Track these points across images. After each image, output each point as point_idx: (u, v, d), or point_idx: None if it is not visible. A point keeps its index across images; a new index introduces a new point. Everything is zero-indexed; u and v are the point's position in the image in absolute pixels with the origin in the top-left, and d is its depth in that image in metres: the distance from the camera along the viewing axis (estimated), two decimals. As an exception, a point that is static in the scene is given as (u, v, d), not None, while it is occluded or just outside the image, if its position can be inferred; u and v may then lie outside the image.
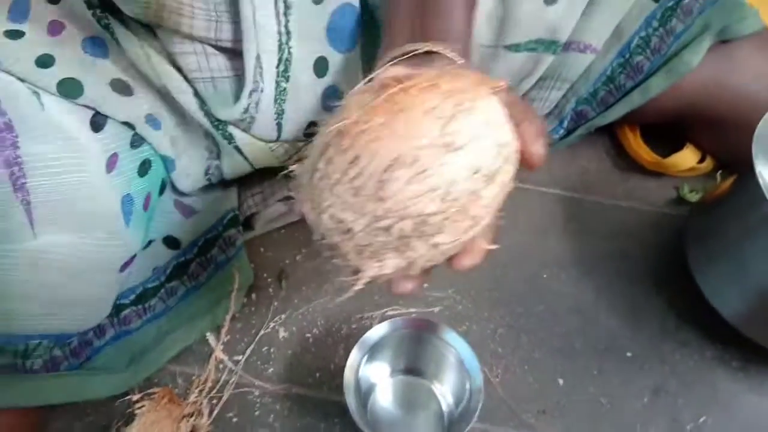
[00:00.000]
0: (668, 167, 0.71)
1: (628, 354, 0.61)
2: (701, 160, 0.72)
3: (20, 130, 0.46)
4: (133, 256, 0.55)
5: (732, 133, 0.65)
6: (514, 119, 0.35)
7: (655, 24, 0.64)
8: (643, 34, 0.64)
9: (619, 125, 0.74)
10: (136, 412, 0.53)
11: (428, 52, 0.39)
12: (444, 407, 0.56)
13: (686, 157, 0.71)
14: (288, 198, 0.65)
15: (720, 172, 0.71)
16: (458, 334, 0.53)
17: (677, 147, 0.72)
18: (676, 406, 0.58)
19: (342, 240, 0.33)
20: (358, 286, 0.34)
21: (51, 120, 0.48)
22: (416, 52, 0.39)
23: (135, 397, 0.54)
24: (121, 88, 0.52)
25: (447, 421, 0.55)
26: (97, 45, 0.52)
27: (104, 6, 0.52)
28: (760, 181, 0.52)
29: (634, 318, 0.63)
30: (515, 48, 0.63)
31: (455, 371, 0.53)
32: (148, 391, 0.55)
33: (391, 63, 0.39)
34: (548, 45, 0.63)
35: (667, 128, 0.72)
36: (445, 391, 0.56)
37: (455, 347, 0.52)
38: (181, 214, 0.62)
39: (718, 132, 0.68)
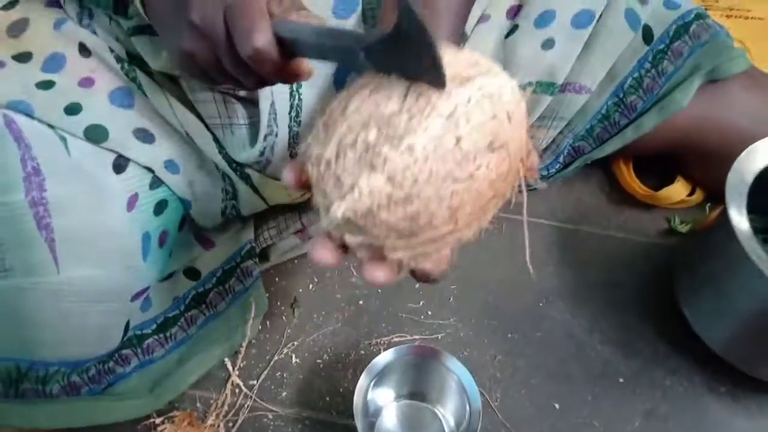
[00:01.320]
0: (660, 200, 0.75)
1: (621, 380, 0.64)
2: (691, 193, 0.75)
3: (47, 173, 0.50)
4: (146, 288, 0.59)
5: (721, 166, 0.68)
6: None
7: (648, 66, 0.68)
8: (636, 75, 0.68)
9: (613, 159, 0.78)
10: (159, 434, 0.57)
11: None
12: (446, 429, 0.59)
13: (677, 190, 0.75)
14: (301, 231, 0.69)
15: (709, 204, 0.75)
16: (459, 360, 0.57)
17: (668, 179, 0.75)
18: (666, 430, 0.61)
19: (319, 173, 0.35)
20: (339, 213, 0.33)
21: (76, 165, 0.52)
22: None
23: (157, 420, 0.58)
24: (143, 136, 0.56)
25: (449, 443, 0.58)
26: (124, 96, 0.56)
27: (132, 60, 0.56)
28: (732, 222, 0.55)
29: (626, 345, 0.66)
30: None
31: (456, 395, 0.57)
32: (170, 414, 0.59)
33: None
34: (546, 86, 0.67)
35: (659, 161, 0.76)
36: (446, 414, 0.59)
37: (456, 373, 0.56)
38: (202, 247, 0.67)
39: (707, 165, 0.71)
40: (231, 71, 0.41)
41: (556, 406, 0.63)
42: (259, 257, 0.69)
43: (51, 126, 0.53)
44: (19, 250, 0.49)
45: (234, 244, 0.67)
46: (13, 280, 0.49)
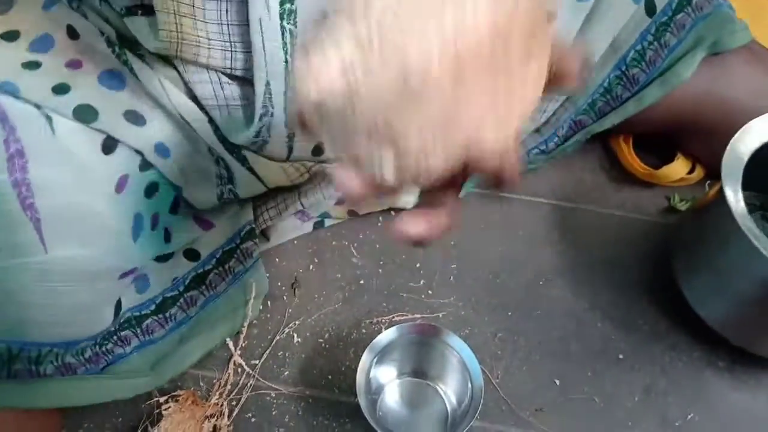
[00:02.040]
0: (660, 178, 0.75)
1: (621, 356, 0.65)
2: (691, 171, 0.75)
3: (30, 155, 0.49)
4: (135, 267, 0.58)
5: (721, 141, 0.68)
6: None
7: (650, 38, 0.67)
8: (638, 47, 0.68)
9: (612, 137, 0.78)
10: (163, 413, 0.57)
11: None
12: (448, 406, 0.60)
13: (677, 168, 0.75)
14: (300, 212, 0.69)
15: (708, 182, 0.75)
16: (460, 338, 0.57)
17: (668, 157, 0.75)
18: (665, 405, 0.62)
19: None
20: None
21: (61, 145, 0.51)
22: None
23: (161, 399, 0.58)
24: (134, 118, 0.55)
25: (450, 419, 0.59)
26: (114, 78, 0.55)
27: (123, 42, 0.55)
28: (728, 201, 0.55)
29: (626, 322, 0.67)
30: None
31: (458, 372, 0.57)
32: (174, 393, 0.59)
33: None
34: None
35: (659, 139, 0.76)
36: (448, 392, 0.60)
37: (458, 350, 0.56)
38: (201, 228, 0.66)
39: (708, 141, 0.71)
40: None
41: (557, 382, 0.63)
42: (258, 238, 0.69)
43: (37, 106, 0.51)
44: (5, 231, 0.49)
45: (233, 225, 0.67)
46: (0, 261, 0.49)
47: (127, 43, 0.55)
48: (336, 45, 0.27)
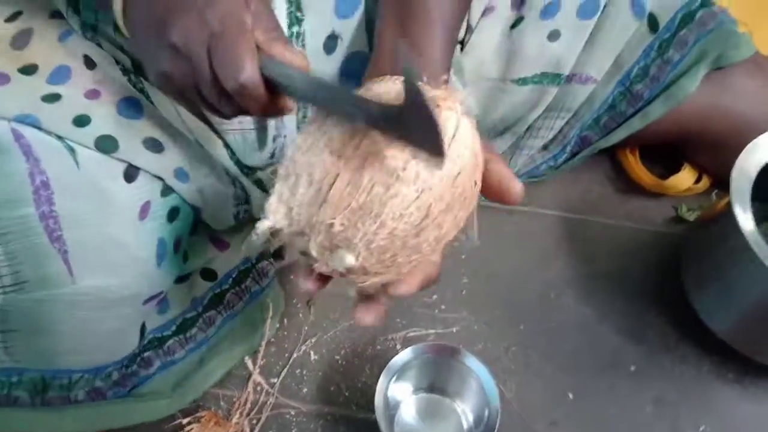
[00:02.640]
0: (667, 188, 0.76)
1: (632, 368, 0.66)
2: (698, 180, 0.76)
3: (56, 187, 0.50)
4: (159, 292, 0.59)
5: (728, 152, 0.69)
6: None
7: (653, 54, 0.68)
8: (642, 64, 0.69)
9: (619, 148, 0.79)
10: (187, 434, 0.59)
11: None
12: (464, 423, 0.61)
13: (684, 178, 0.76)
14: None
15: (715, 191, 0.76)
16: (474, 354, 0.58)
17: (675, 167, 0.76)
18: (676, 416, 0.63)
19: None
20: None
21: (85, 177, 0.52)
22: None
23: (184, 421, 0.60)
24: (153, 145, 0.56)
25: (467, 435, 0.60)
26: (131, 106, 0.56)
27: (138, 70, 0.56)
28: (737, 219, 0.57)
29: (636, 334, 0.68)
30: (522, 82, 0.68)
31: (475, 392, 0.59)
32: (197, 414, 0.60)
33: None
34: (552, 78, 0.67)
35: (665, 149, 0.77)
36: (465, 409, 0.61)
37: (474, 370, 0.57)
38: (216, 249, 0.67)
39: (714, 152, 0.72)
40: (210, 99, 0.41)
41: (570, 395, 0.64)
42: (273, 256, 0.70)
43: (60, 137, 0.53)
44: (34, 263, 0.50)
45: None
46: (30, 293, 0.50)
47: (141, 71, 0.55)
48: (278, 194, 0.38)
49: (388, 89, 0.38)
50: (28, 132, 0.51)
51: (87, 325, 0.52)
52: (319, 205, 0.36)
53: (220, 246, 0.68)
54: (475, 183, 0.38)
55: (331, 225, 0.36)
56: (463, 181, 0.37)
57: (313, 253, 0.37)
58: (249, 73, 0.38)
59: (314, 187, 0.36)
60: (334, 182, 0.36)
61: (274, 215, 0.38)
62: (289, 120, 0.58)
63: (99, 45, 0.57)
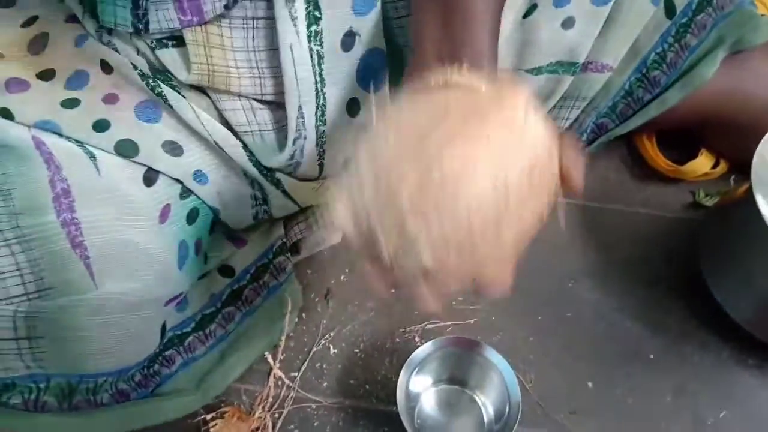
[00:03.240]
0: (685, 174, 0.75)
1: (651, 356, 0.66)
2: (715, 165, 0.75)
3: (76, 194, 0.50)
4: (180, 293, 0.60)
5: (746, 137, 0.68)
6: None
7: (671, 40, 0.67)
8: (659, 50, 0.67)
9: (636, 134, 0.78)
10: (211, 429, 0.60)
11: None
12: (484, 415, 0.61)
13: (702, 164, 0.75)
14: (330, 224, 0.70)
15: (733, 176, 0.75)
16: (493, 346, 0.58)
17: (691, 152, 0.75)
18: (697, 404, 0.63)
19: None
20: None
21: (106, 184, 0.52)
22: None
23: (208, 417, 0.60)
24: (172, 149, 0.56)
25: (487, 427, 0.61)
26: (150, 110, 0.56)
27: (155, 74, 0.56)
28: (759, 205, 0.56)
29: (655, 321, 0.68)
30: (536, 71, 0.67)
31: (495, 385, 0.59)
32: (220, 410, 0.61)
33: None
34: (568, 67, 0.66)
35: (682, 134, 0.76)
36: (485, 401, 0.61)
37: (495, 363, 0.58)
38: (234, 246, 0.68)
39: (732, 137, 0.71)
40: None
41: (590, 384, 0.65)
42: (290, 250, 0.70)
43: (80, 143, 0.53)
44: (56, 270, 0.50)
45: (265, 240, 0.68)
46: (54, 300, 0.50)
47: (159, 74, 0.55)
48: (343, 196, 0.36)
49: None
50: (48, 139, 0.51)
51: (110, 329, 0.52)
52: (388, 206, 0.34)
53: (238, 243, 0.68)
54: (552, 174, 0.37)
55: (403, 224, 0.34)
56: (540, 173, 0.36)
57: (385, 256, 0.35)
58: None
59: (382, 186, 0.34)
60: (401, 180, 0.34)
61: (342, 222, 0.36)
62: (309, 120, 0.58)
63: (115, 49, 0.56)
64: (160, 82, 0.55)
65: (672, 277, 0.70)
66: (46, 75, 0.53)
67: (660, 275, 0.70)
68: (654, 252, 0.72)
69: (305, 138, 0.57)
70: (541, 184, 0.36)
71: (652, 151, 0.77)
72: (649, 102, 0.70)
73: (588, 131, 0.74)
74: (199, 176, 0.58)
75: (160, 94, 0.55)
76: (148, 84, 0.55)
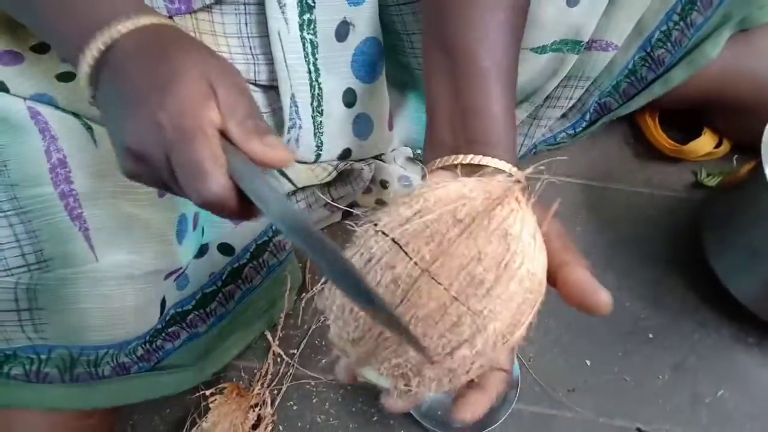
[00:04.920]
0: (687, 153, 0.74)
1: (650, 335, 0.66)
2: (718, 145, 0.75)
3: (73, 165, 0.50)
4: (180, 267, 0.60)
5: (750, 116, 0.68)
6: (558, 257, 0.39)
7: (676, 18, 0.66)
8: (663, 28, 0.66)
9: (638, 113, 0.77)
10: (210, 405, 0.60)
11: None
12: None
13: (704, 143, 0.74)
14: (329, 204, 0.70)
15: (736, 156, 0.75)
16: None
17: (694, 131, 0.75)
18: (695, 381, 0.63)
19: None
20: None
21: (104, 156, 0.51)
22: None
23: (207, 392, 0.61)
24: None
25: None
26: None
27: None
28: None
29: (655, 300, 0.68)
30: (541, 50, 0.66)
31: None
32: (219, 386, 0.61)
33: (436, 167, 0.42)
34: (572, 45, 0.66)
35: (685, 114, 0.75)
36: (483, 377, 0.61)
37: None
38: (231, 223, 0.67)
39: (737, 117, 0.71)
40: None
41: (588, 363, 0.65)
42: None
43: (76, 115, 0.52)
44: (56, 241, 0.50)
45: (264, 220, 0.68)
46: (54, 272, 0.50)
47: None
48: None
49: (448, 193, 0.36)
50: (44, 110, 0.50)
51: (110, 301, 0.52)
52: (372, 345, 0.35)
53: (235, 221, 0.68)
54: (540, 283, 0.37)
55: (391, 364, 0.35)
56: (531, 283, 0.36)
57: (383, 382, 0.37)
58: (213, 188, 0.33)
59: (360, 329, 0.35)
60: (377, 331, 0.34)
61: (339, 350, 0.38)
62: (304, 110, 0.57)
63: None
64: None
65: (672, 257, 0.70)
66: (40, 48, 0.53)
67: (661, 254, 0.70)
68: (655, 231, 0.72)
69: (301, 128, 0.57)
70: (533, 295, 0.36)
71: (654, 130, 0.76)
72: (653, 81, 0.69)
73: (591, 111, 0.73)
74: None
75: None
76: None
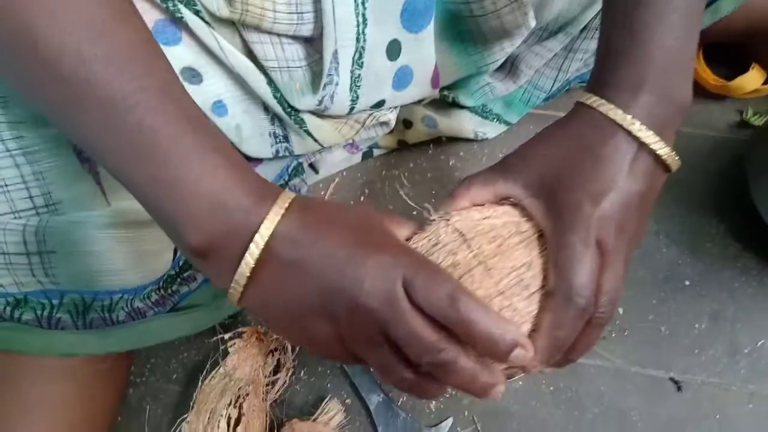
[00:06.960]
0: (733, 90, 0.69)
1: (687, 282, 0.63)
2: (766, 81, 0.70)
3: None
4: None
5: (803, 51, 0.63)
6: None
7: None
8: None
9: (681, 47, 0.72)
10: (229, 349, 0.59)
11: None
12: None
13: (752, 79, 0.69)
14: (350, 145, 0.66)
15: (787, 93, 0.69)
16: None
17: (741, 67, 0.69)
18: (734, 331, 0.60)
19: None
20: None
21: None
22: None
23: (226, 336, 0.59)
24: (190, 76, 0.52)
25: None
26: (169, 31, 0.51)
27: None
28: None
29: (693, 246, 0.64)
30: None
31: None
32: (238, 330, 0.60)
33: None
34: None
35: (732, 48, 0.70)
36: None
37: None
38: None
39: (789, 51, 0.66)
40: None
41: (620, 310, 0.62)
42: (307, 171, 0.67)
43: None
44: (65, 184, 0.48)
45: (281, 161, 0.65)
46: (64, 215, 0.48)
47: None
48: None
49: (515, 209, 0.41)
50: None
51: (123, 245, 0.51)
52: None
53: (253, 163, 0.65)
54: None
55: None
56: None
57: None
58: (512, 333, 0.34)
59: None
60: None
61: None
62: (345, 65, 0.53)
63: None
64: (180, 5, 0.50)
65: (712, 201, 0.66)
66: None
67: (700, 198, 0.66)
68: (696, 173, 0.67)
69: (337, 84, 0.53)
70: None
71: (698, 65, 0.71)
72: None
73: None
74: (218, 107, 0.54)
75: (180, 19, 0.51)
76: (168, 8, 0.50)
